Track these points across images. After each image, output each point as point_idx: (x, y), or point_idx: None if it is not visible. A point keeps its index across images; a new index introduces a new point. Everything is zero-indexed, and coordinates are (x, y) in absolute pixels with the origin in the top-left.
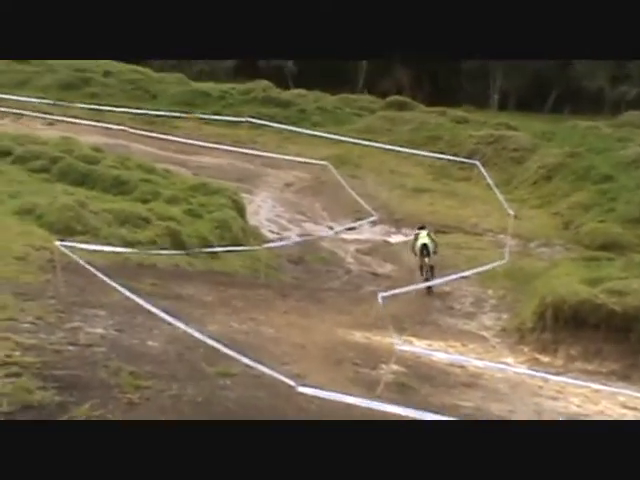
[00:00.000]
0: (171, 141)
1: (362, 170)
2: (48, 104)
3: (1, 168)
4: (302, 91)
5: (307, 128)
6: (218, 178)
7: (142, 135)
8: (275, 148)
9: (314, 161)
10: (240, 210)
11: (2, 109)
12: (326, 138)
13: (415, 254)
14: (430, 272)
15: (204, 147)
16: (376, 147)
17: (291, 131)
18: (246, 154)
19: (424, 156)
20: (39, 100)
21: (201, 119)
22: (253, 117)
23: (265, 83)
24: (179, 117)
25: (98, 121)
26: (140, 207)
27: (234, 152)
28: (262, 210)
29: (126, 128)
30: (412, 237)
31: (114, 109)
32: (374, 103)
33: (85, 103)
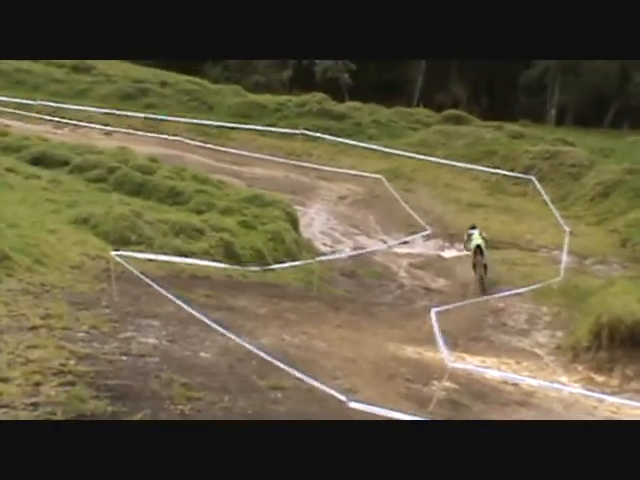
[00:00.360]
0: (226, 152)
1: (416, 184)
2: (106, 114)
3: (59, 178)
4: (357, 104)
5: (362, 141)
6: (272, 190)
7: (197, 146)
8: (329, 161)
9: (368, 174)
10: (293, 222)
11: (61, 119)
12: (381, 151)
13: (469, 252)
14: (484, 270)
15: (258, 159)
16: (431, 161)
17: (346, 144)
18: (300, 166)
19: (479, 171)
20: (97, 110)
21: (257, 131)
22: (308, 129)
23: (320, 95)
24: (235, 128)
25: (154, 131)
26: (194, 218)
27: (288, 164)
28: (315, 223)
29: (182, 139)
30: (465, 237)
31: (170, 119)
32: (430, 117)
33: (142, 113)
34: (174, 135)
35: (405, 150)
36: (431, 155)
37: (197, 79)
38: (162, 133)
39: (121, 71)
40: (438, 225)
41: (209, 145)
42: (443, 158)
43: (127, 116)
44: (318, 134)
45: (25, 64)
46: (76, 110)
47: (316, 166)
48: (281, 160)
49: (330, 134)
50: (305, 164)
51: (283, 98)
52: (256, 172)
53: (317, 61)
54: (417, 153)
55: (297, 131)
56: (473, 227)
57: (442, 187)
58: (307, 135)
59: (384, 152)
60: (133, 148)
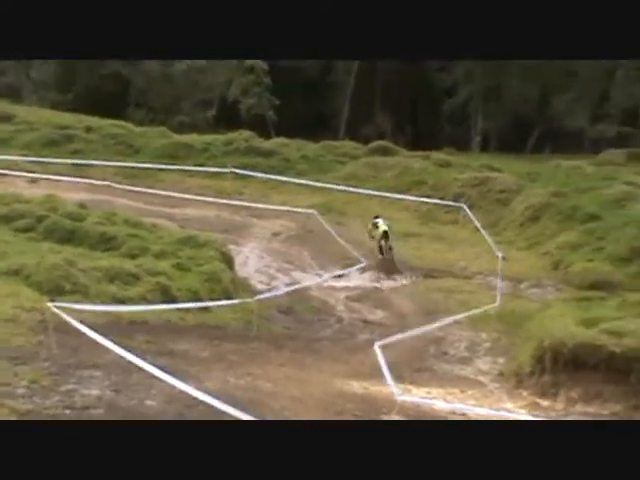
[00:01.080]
0: (155, 194)
1: (348, 217)
2: (30, 162)
3: None
4: (284, 140)
5: (291, 177)
6: (205, 230)
7: (126, 190)
8: (260, 198)
9: (300, 210)
10: (229, 262)
11: None
12: (311, 186)
13: (374, 238)
14: (390, 251)
15: (189, 199)
16: (361, 194)
17: (276, 180)
18: (231, 205)
19: (410, 201)
20: (21, 158)
21: (185, 171)
22: (237, 167)
23: (247, 133)
24: (163, 170)
25: (81, 177)
26: (128, 263)
27: (219, 203)
28: (250, 261)
29: (110, 183)
30: (369, 226)
31: (97, 163)
32: (357, 149)
33: (68, 159)
34: (102, 180)
35: (335, 184)
36: (361, 187)
37: (122, 122)
38: (89, 178)
39: (43, 118)
40: (372, 257)
41: (138, 188)
42: (373, 190)
43: (52, 163)
44: (247, 172)
45: None
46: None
47: (247, 204)
48: (212, 199)
49: (259, 171)
50: (236, 202)
51: (209, 137)
52: (188, 213)
53: (242, 99)
54: (347, 186)
55: (226, 170)
56: (377, 217)
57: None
58: (236, 173)
59: (314, 187)
60: (61, 195)
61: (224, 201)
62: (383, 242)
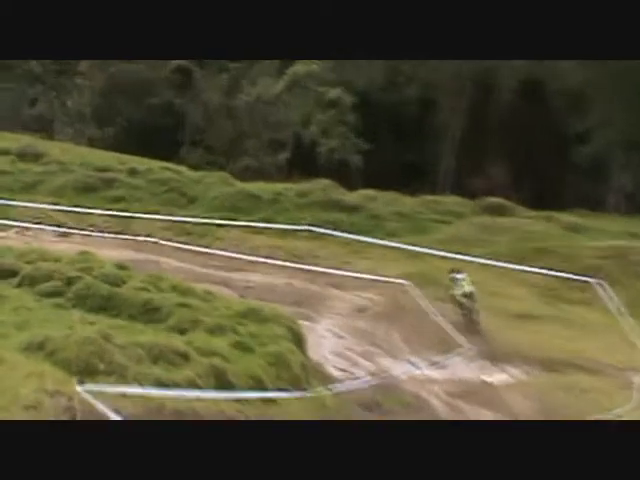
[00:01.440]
0: (212, 255)
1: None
2: (61, 211)
3: (4, 292)
4: (372, 192)
5: (381, 238)
6: (272, 301)
7: (177, 248)
8: (341, 263)
9: (391, 280)
10: (299, 342)
11: (4, 219)
12: (405, 251)
13: (459, 305)
14: (477, 315)
15: (253, 262)
16: (468, 261)
17: (361, 242)
18: (306, 271)
19: (529, 273)
20: (50, 206)
21: (250, 228)
22: (313, 225)
23: (327, 182)
24: (223, 225)
25: (123, 232)
26: (177, 339)
27: (290, 268)
28: (326, 342)
29: (157, 240)
30: (451, 283)
31: (142, 216)
32: (463, 206)
33: (106, 209)
34: (147, 235)
35: (435, 248)
36: (468, 254)
37: (173, 165)
38: (132, 234)
39: (78, 157)
40: (481, 342)
41: (191, 247)
42: (484, 257)
43: (87, 213)
44: (326, 230)
45: None
46: (24, 207)
47: (326, 270)
48: (281, 263)
49: (340, 230)
50: (312, 268)
51: (280, 186)
52: (251, 279)
53: (321, 140)
54: (451, 252)
55: (300, 227)
56: (456, 271)
57: (483, 294)
58: (312, 232)
59: (409, 251)
60: (96, 253)
61: (296, 266)
62: (466, 301)
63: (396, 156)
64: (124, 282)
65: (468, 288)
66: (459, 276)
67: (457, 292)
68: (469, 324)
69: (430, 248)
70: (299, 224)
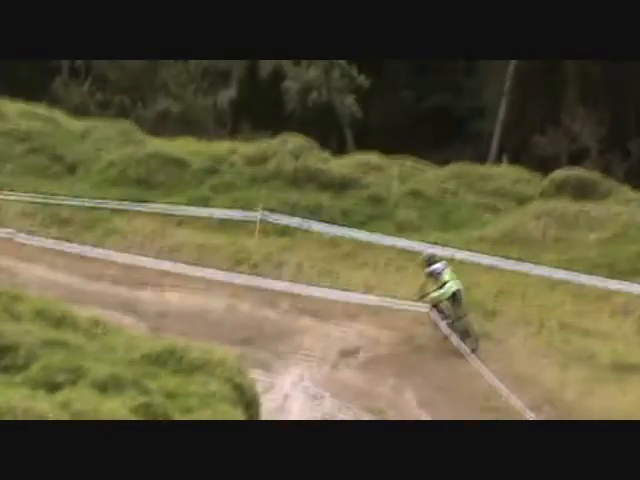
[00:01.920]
0: (106, 260)
1: (502, 321)
2: None
3: None
4: (374, 157)
5: (388, 234)
6: (203, 338)
7: (46, 248)
8: (321, 275)
9: (402, 303)
10: (249, 407)
11: None
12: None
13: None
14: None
15: (174, 273)
16: (530, 274)
17: (354, 240)
18: (260, 288)
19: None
20: None
21: (167, 216)
22: (273, 211)
23: (296, 141)
24: (121, 211)
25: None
26: (42, 401)
27: (235, 283)
28: (294, 405)
29: (12, 233)
30: (425, 276)
31: None
32: (528, 183)
33: None
34: None
35: (477, 252)
36: (533, 262)
37: (41, 108)
38: None
39: None
40: (547, 404)
41: (70, 245)
42: (556, 268)
43: None
44: (295, 220)
45: None
46: None
47: (295, 287)
48: (220, 274)
49: (321, 221)
50: (271, 282)
51: (222, 147)
52: (169, 300)
53: (292, 69)
54: (502, 258)
55: (252, 215)
56: (433, 260)
57: (556, 327)
58: (272, 223)
59: None
60: None
61: (246, 279)
62: (449, 305)
63: (415, 97)
64: None
65: (454, 286)
66: (438, 268)
67: (438, 293)
68: (458, 345)
69: (469, 252)
70: (250, 210)
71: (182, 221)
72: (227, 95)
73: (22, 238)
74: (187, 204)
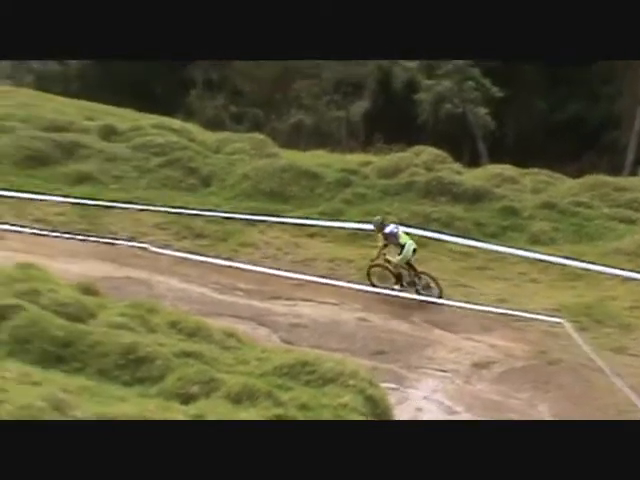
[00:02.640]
0: (239, 272)
1: (637, 332)
2: None
3: None
4: (507, 168)
5: (521, 247)
6: (335, 350)
7: (180, 259)
8: (454, 287)
9: (536, 315)
10: (381, 418)
11: None
12: (562, 268)
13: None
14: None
15: (306, 284)
16: None
17: (487, 252)
18: (393, 300)
19: None
20: None
21: (299, 227)
22: (406, 224)
23: (430, 152)
24: (254, 222)
25: (90, 232)
26: (177, 411)
27: (368, 295)
28: (427, 418)
29: (147, 245)
30: (380, 242)
31: (122, 206)
32: None
33: (64, 194)
34: (131, 239)
35: (615, 267)
36: None
37: (176, 122)
38: (106, 234)
39: (20, 108)
40: None
41: (203, 257)
42: None
43: (34, 200)
44: (428, 232)
45: None
46: None
47: (427, 299)
48: (353, 287)
49: (453, 232)
50: (403, 295)
51: (354, 159)
52: (302, 312)
53: (424, 80)
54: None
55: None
56: (383, 222)
57: None
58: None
59: (568, 269)
60: (47, 266)
61: (377, 291)
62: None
63: (549, 107)
64: (92, 316)
65: (412, 245)
66: (394, 230)
67: (402, 256)
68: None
69: (605, 266)
70: (383, 222)
71: (315, 233)
72: (360, 107)
73: (157, 250)
74: (320, 216)
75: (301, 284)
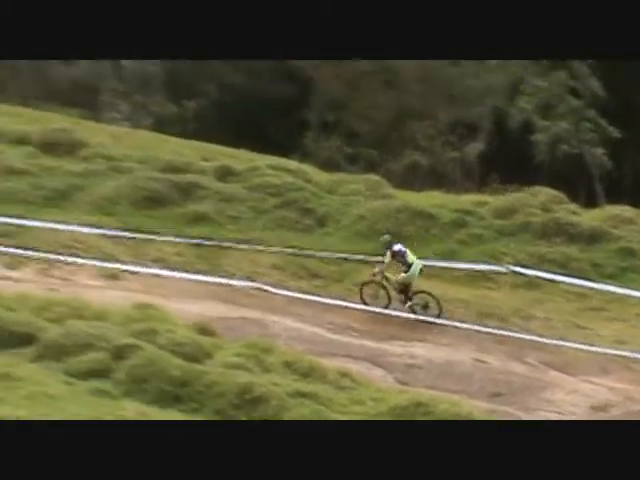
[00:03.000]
0: (367, 312)
1: None
2: (110, 237)
3: (14, 370)
4: (626, 209)
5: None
6: (451, 391)
7: (295, 299)
8: (570, 328)
9: None
10: None
11: (17, 249)
12: None
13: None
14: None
15: (421, 324)
16: None
17: (605, 293)
18: (508, 339)
19: None
20: (90, 230)
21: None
22: (521, 265)
23: (546, 193)
24: (372, 264)
25: (207, 272)
26: None
27: (482, 336)
28: None
29: (263, 285)
30: (387, 258)
31: (238, 246)
32: None
33: (181, 235)
34: (247, 279)
35: None
36: None
37: (292, 163)
38: (222, 274)
39: (138, 149)
40: None
41: (319, 298)
42: None
43: (152, 240)
44: (543, 273)
45: None
46: (50, 230)
47: (541, 340)
48: (467, 327)
49: (569, 273)
50: (518, 335)
51: (469, 199)
52: (416, 353)
53: (541, 122)
54: None
55: (499, 268)
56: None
57: None
58: (520, 274)
59: None
60: (164, 306)
61: (492, 331)
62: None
63: None
64: (208, 356)
65: (419, 265)
66: (402, 249)
67: (410, 273)
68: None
69: None
70: (498, 263)
71: (430, 274)
72: (475, 148)
73: (272, 290)
74: (435, 257)
75: (416, 325)
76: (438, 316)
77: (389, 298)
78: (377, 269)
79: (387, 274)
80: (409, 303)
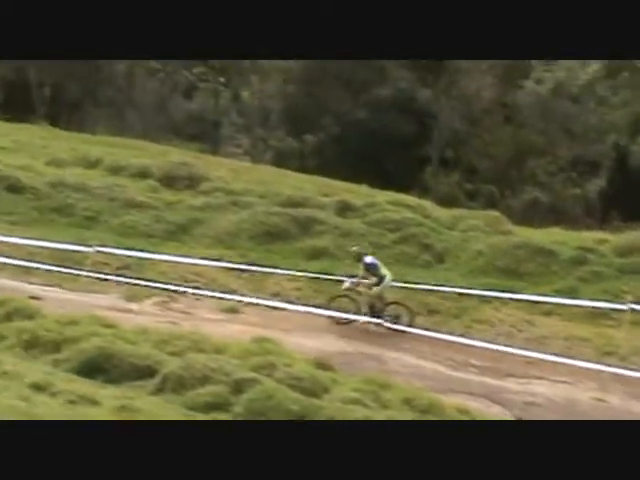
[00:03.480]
0: (472, 348)
1: None
2: (230, 270)
3: (134, 403)
4: None
5: None
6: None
7: (413, 335)
8: None
9: None
10: None
11: (139, 281)
12: None
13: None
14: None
15: (541, 362)
16: None
17: None
18: (628, 381)
19: None
20: (212, 263)
21: (538, 303)
22: None
23: None
24: (491, 299)
25: (325, 306)
26: None
27: (605, 374)
28: None
29: (381, 321)
30: (362, 269)
31: (364, 282)
32: None
33: (300, 268)
34: (367, 315)
35: None
36: None
37: (411, 198)
38: (340, 309)
39: (258, 183)
40: None
41: (436, 334)
42: None
43: (272, 274)
44: None
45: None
46: (170, 264)
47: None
48: (588, 366)
49: None
50: (633, 373)
51: (590, 236)
52: (536, 391)
53: None
54: None
55: (621, 305)
56: (360, 254)
57: None
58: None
59: None
60: (282, 340)
61: (614, 370)
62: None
63: None
64: (326, 390)
65: (390, 277)
66: (374, 262)
67: (382, 286)
68: None
69: None
70: (619, 301)
71: (550, 311)
72: (596, 185)
73: (390, 326)
74: (555, 294)
75: (535, 362)
76: (409, 325)
77: (358, 312)
78: (348, 283)
79: (360, 288)
80: (381, 316)
